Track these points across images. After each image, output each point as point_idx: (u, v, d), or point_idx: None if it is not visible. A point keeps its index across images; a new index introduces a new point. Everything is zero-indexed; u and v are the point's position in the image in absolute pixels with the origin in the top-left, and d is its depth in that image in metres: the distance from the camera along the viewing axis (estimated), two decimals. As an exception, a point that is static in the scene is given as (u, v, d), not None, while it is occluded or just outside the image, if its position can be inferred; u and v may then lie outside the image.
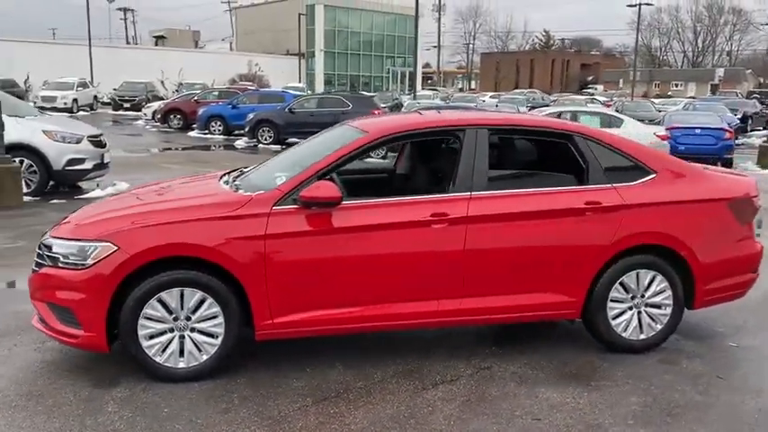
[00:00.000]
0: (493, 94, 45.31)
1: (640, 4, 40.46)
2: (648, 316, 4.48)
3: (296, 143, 20.34)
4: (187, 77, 42.28)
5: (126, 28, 73.21)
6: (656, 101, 37.89)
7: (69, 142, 10.65)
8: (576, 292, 4.33)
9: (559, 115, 15.44)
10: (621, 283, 4.39)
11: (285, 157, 4.75)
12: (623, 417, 3.64)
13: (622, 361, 4.37)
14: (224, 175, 4.83)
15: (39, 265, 3.99)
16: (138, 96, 34.91)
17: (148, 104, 30.25)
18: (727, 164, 16.11)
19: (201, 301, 3.86)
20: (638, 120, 22.35)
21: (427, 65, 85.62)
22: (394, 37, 61.87)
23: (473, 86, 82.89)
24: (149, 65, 44.63)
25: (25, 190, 10.12)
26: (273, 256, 3.87)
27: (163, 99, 32.52)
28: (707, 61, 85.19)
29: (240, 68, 50.20)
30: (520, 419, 3.59)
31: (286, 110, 20.50)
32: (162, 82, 41.85)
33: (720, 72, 70.42)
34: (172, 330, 3.87)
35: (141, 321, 3.80)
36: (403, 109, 26.00)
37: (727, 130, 16.92)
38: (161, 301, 3.81)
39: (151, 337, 3.84)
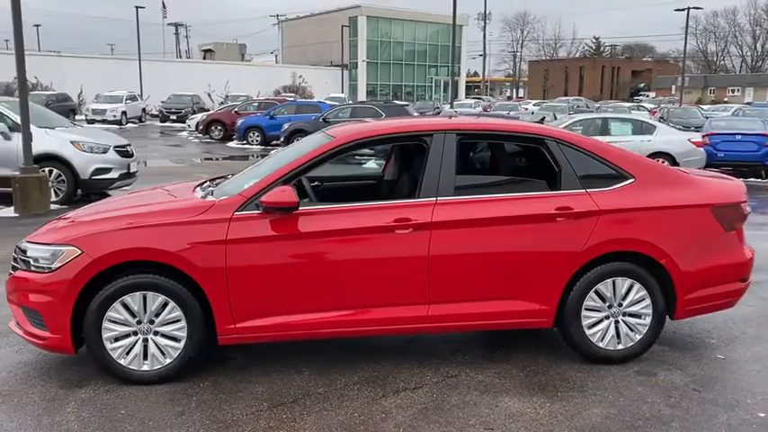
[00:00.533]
0: (536, 101, 44.74)
1: (689, 9, 39.35)
2: (627, 326, 4.33)
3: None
4: (233, 90, 43.28)
5: (178, 42, 75.42)
6: (706, 107, 36.77)
7: (96, 152, 11.02)
8: (547, 300, 4.22)
9: (577, 123, 15.16)
10: (597, 292, 4.26)
11: (263, 163, 4.79)
12: (580, 428, 3.52)
13: (597, 371, 4.24)
14: (205, 182, 4.91)
15: (14, 268, 4.13)
16: (185, 108, 35.87)
17: (192, 116, 31.01)
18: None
19: (164, 305, 3.92)
20: (685, 127, 21.82)
21: (475, 73, 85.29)
22: (437, 46, 61.86)
23: (521, 95, 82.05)
24: (197, 78, 45.85)
25: (54, 198, 10.52)
26: (234, 261, 3.90)
27: (208, 111, 33.28)
28: (767, 66, 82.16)
29: (285, 80, 50.99)
30: (472, 429, 3.51)
31: (320, 120, 20.72)
32: (209, 94, 42.95)
33: (780, 76, 67.72)
34: (135, 333, 3.95)
35: (105, 324, 3.88)
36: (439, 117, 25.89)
37: (770, 136, 16.28)
38: (124, 305, 3.89)
39: (115, 339, 3.92)
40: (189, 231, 3.90)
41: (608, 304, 4.29)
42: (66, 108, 34.13)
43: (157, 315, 3.93)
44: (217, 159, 19.99)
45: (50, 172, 10.64)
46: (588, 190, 4.27)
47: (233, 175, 5.08)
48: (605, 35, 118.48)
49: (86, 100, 38.40)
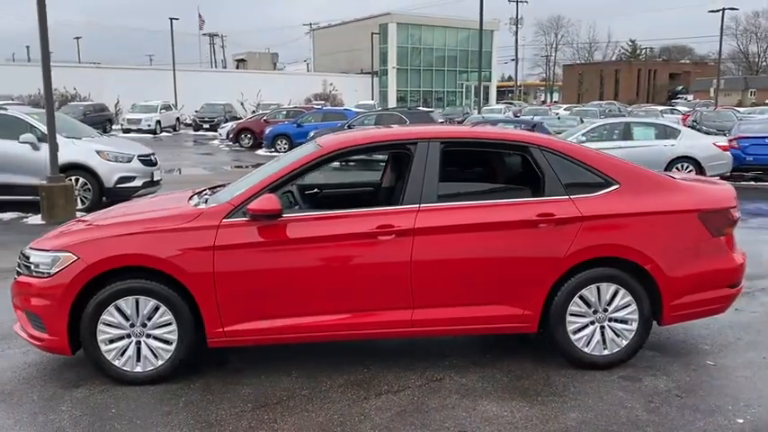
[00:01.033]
0: (567, 106, 44.35)
1: (723, 10, 38.57)
2: (613, 331, 4.35)
3: (355, 160, 20.75)
4: (265, 98, 43.88)
5: (214, 52, 76.87)
6: (743, 109, 35.95)
7: (120, 161, 11.38)
8: (530, 306, 4.27)
9: (593, 128, 15.04)
10: (581, 297, 4.29)
11: (258, 171, 4.93)
12: (552, 432, 3.56)
13: (582, 376, 4.26)
14: (204, 190, 5.08)
15: (18, 273, 4.34)
16: (217, 117, 36.48)
17: (223, 125, 31.57)
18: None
19: (156, 309, 4.09)
20: (719, 130, 21.45)
21: (509, 78, 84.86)
22: (467, 52, 61.75)
23: (555, 99, 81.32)
24: (230, 87, 46.61)
25: (80, 206, 10.88)
26: (222, 267, 4.05)
27: (240, 119, 33.85)
28: (810, 66, 79.89)
29: (315, 88, 51.53)
30: (446, 431, 3.58)
31: (345, 127, 20.92)
32: (241, 103, 43.63)
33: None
34: (129, 336, 4.12)
35: (100, 327, 4.06)
36: (465, 123, 25.91)
37: (801, 139, 15.89)
38: (118, 309, 4.06)
39: (110, 341, 4.10)
40: (179, 238, 4.06)
41: (593, 310, 4.31)
42: (103, 118, 35.17)
43: (149, 318, 4.10)
44: (246, 167, 20.33)
45: (77, 180, 11.01)
46: (572, 196, 4.30)
47: (228, 183, 5.24)
48: (642, 38, 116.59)
49: (123, 110, 39.38)
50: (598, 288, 4.29)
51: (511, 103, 50.47)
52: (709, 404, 3.89)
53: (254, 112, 38.42)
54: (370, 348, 4.77)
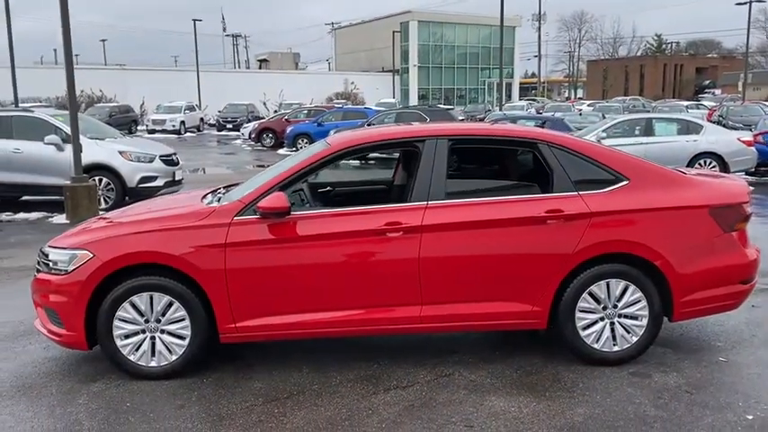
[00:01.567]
0: (590, 102, 43.93)
1: (750, 2, 37.90)
2: (622, 327, 4.34)
3: (375, 158, 20.85)
4: (287, 98, 44.15)
5: (237, 53, 77.48)
6: (771, 103, 35.23)
7: (142, 161, 11.58)
8: (539, 302, 4.28)
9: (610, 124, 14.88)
10: (591, 293, 4.29)
11: (269, 170, 5.00)
12: (559, 428, 3.57)
13: (591, 372, 4.27)
14: (219, 188, 5.17)
15: (38, 271, 4.47)
16: (240, 117, 36.76)
17: (246, 125, 31.84)
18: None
19: (169, 305, 4.18)
20: (746, 125, 21.08)
21: (532, 74, 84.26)
22: (489, 48, 61.44)
23: (579, 95, 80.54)
24: (253, 87, 46.97)
25: (103, 206, 11.09)
26: (233, 264, 4.12)
27: (262, 119, 34.12)
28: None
29: (337, 87, 51.72)
30: (452, 426, 3.62)
31: (365, 125, 20.99)
32: (264, 103, 43.95)
33: None
34: (144, 332, 4.22)
35: (116, 323, 4.16)
36: (485, 120, 25.85)
37: (828, 134, 15.59)
38: (133, 305, 4.17)
39: (125, 337, 4.20)
40: (191, 236, 4.14)
41: (602, 306, 4.31)
42: (129, 119, 35.73)
43: (163, 314, 4.19)
44: (268, 166, 20.50)
45: (100, 181, 11.24)
46: (581, 192, 4.30)
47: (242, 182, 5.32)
48: (668, 32, 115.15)
49: (148, 111, 39.92)
50: (607, 284, 4.28)
51: (534, 100, 50.15)
52: (719, 400, 3.87)
53: (276, 111, 38.69)
54: (381, 344, 4.82)
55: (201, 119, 39.27)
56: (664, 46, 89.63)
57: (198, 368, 4.33)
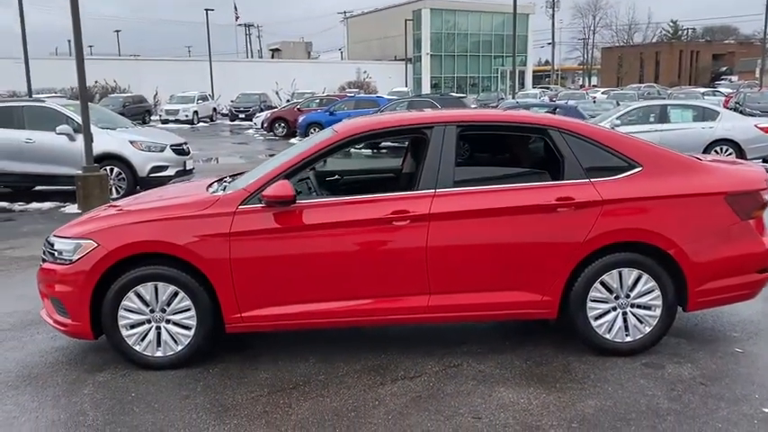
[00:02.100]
0: (605, 89, 43.47)
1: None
2: (635, 317, 4.25)
3: (387, 147, 20.76)
4: (300, 87, 44.09)
5: (249, 43, 77.43)
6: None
7: (154, 151, 11.58)
8: (550, 291, 4.19)
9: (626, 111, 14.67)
10: (602, 283, 4.20)
11: (274, 158, 4.94)
12: (569, 420, 3.50)
13: (603, 363, 4.18)
14: (225, 177, 5.12)
15: (44, 260, 4.44)
16: (252, 107, 36.77)
17: (258, 114, 31.83)
18: None
19: (175, 295, 4.14)
20: (763, 111, 20.73)
21: (546, 62, 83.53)
22: (502, 36, 60.91)
23: (594, 83, 79.73)
24: (265, 77, 46.97)
25: (115, 195, 11.09)
26: (238, 253, 4.07)
27: (274, 109, 34.09)
28: None
29: (349, 76, 51.55)
30: (459, 417, 3.55)
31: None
32: (276, 93, 43.92)
33: None
34: (149, 321, 4.18)
35: (121, 312, 4.13)
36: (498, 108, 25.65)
37: None
38: (138, 294, 4.13)
39: (131, 327, 4.17)
40: (195, 225, 4.09)
41: (615, 295, 4.22)
42: (142, 109, 35.87)
43: (169, 304, 4.16)
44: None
45: (111, 170, 11.25)
46: (592, 180, 4.21)
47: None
48: (684, 18, 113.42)
49: (161, 101, 40.03)
50: (620, 273, 4.19)
51: (547, 88, 49.74)
52: (735, 393, 3.77)
53: (288, 101, 38.65)
54: (389, 334, 4.76)
55: (214, 109, 39.32)
56: (680, 32, 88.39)
57: (204, 358, 4.30)
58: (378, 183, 5.37)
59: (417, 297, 4.18)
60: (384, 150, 20.77)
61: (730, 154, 13.28)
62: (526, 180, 4.30)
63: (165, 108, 36.28)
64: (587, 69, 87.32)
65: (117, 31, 74.05)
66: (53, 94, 30.95)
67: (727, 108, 20.08)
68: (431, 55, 58.04)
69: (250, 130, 30.91)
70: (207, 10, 44.77)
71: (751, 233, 4.28)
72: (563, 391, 3.82)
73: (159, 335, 4.20)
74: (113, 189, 11.20)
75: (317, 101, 28.79)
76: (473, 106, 21.78)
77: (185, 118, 35.13)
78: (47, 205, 11.16)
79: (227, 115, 39.27)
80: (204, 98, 38.49)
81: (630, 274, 4.19)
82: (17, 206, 11.14)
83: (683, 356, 4.28)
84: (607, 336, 4.25)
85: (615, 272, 4.19)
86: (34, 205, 11.20)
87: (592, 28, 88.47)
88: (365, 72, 52.34)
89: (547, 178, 4.29)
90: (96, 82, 41.53)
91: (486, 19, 60.90)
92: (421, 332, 4.79)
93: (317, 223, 4.12)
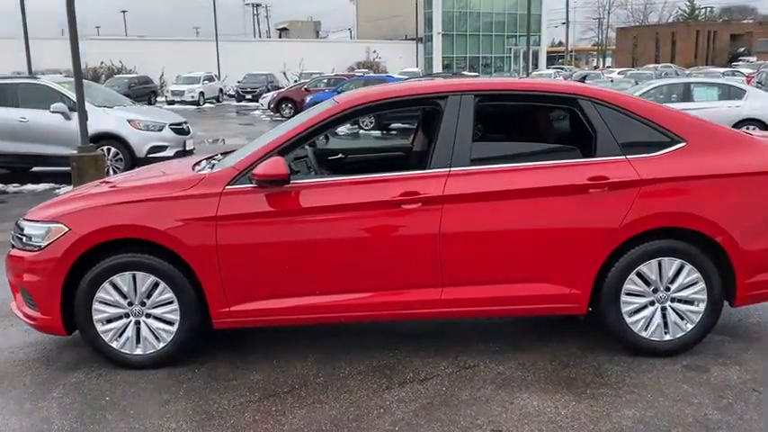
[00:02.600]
0: (621, 69, 42.50)
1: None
2: (676, 313, 3.75)
3: (397, 128, 20.13)
4: (308, 67, 43.39)
5: (257, 23, 76.51)
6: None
7: (152, 130, 11.11)
8: (579, 284, 3.70)
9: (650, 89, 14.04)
10: (639, 274, 3.69)
11: (269, 133, 4.44)
12: (604, 434, 3.02)
13: (639, 365, 3.69)
14: (216, 155, 4.64)
15: (12, 246, 3.99)
16: (259, 88, 36.18)
17: (265, 95, 31.26)
18: None
19: (155, 286, 3.68)
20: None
21: (559, 43, 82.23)
22: (516, 15, 59.65)
23: (608, 64, 78.42)
24: (273, 57, 46.28)
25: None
26: (226, 239, 3.60)
27: (281, 89, 33.51)
28: None
29: (359, 56, 50.77)
30: (477, 429, 3.08)
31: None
32: (284, 73, 43.27)
33: None
34: (127, 316, 3.73)
35: (95, 305, 3.68)
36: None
37: None
38: (114, 285, 3.67)
39: (107, 321, 3.72)
40: (177, 207, 3.62)
41: (653, 288, 3.72)
42: (148, 90, 35.36)
43: (149, 296, 3.70)
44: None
45: (108, 150, 10.80)
46: (629, 156, 3.69)
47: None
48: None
49: (167, 82, 39.51)
50: (659, 263, 3.68)
51: (561, 68, 48.77)
52: (794, 401, 3.28)
53: (296, 81, 38.03)
54: (396, 330, 4.28)
55: (221, 89, 38.75)
56: (696, 12, 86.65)
57: (189, 356, 3.84)
58: (385, 162, 4.87)
59: (428, 290, 3.70)
60: (394, 132, 20.21)
61: (757, 134, 12.64)
62: (553, 157, 3.78)
63: (170, 89, 35.76)
64: (602, 50, 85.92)
65: (123, 12, 73.35)
66: (58, 75, 30.49)
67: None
68: (442, 34, 56.93)
69: (256, 111, 30.35)
70: (214, -11, 44.03)
71: (810, 218, 3.75)
72: (595, 398, 3.34)
73: (139, 330, 3.75)
74: (110, 170, 10.74)
75: (325, 81, 28.18)
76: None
77: (191, 99, 34.58)
78: (41, 187, 10.74)
79: (233, 96, 38.72)
80: (210, 79, 37.92)
81: (671, 265, 3.68)
82: (11, 188, 10.73)
83: (729, 357, 3.79)
84: (643, 334, 3.75)
85: (654, 261, 3.68)
86: (29, 187, 10.79)
87: (607, 8, 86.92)
88: (375, 52, 51.50)
89: (577, 155, 3.77)
90: (102, 63, 41.12)
91: (499, -3, 59.74)
92: (432, 327, 4.31)
93: (316, 206, 3.63)
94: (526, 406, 3.28)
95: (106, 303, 3.69)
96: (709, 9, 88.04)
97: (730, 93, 13.38)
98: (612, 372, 3.63)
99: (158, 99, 35.77)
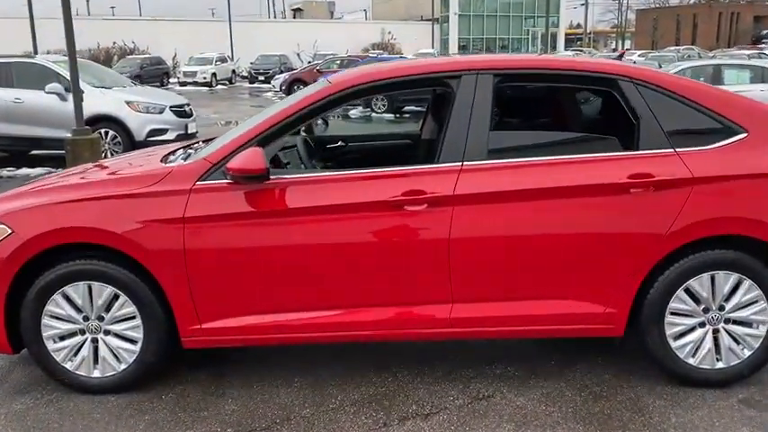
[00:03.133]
0: (641, 52, 41.32)
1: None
2: (731, 336, 3.14)
3: (411, 111, 19.40)
4: (322, 49, 42.64)
5: (273, 3, 75.58)
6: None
7: (152, 112, 10.57)
8: (615, 301, 3.10)
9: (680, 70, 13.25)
10: (688, 290, 3.09)
11: (254, 118, 3.86)
12: (651, 497, 2.44)
13: (684, 399, 3.10)
14: (196, 142, 4.07)
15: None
16: (272, 69, 35.61)
17: (277, 77, 30.67)
18: None
19: (115, 298, 3.13)
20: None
21: (578, 25, 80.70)
22: (534, -4, 58.38)
23: (627, 46, 76.78)
24: (287, 38, 45.60)
25: (110, 162, 10.13)
26: (195, 244, 3.03)
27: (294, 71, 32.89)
28: None
29: (374, 37, 49.93)
30: (492, 487, 2.51)
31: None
32: (298, 54, 42.61)
33: None
34: (83, 332, 3.19)
35: (45, 320, 3.14)
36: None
37: None
38: (66, 297, 3.13)
39: (59, 339, 3.18)
40: (138, 206, 3.06)
41: (703, 307, 3.11)
42: (160, 71, 34.86)
43: (108, 310, 3.15)
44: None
45: (106, 134, 10.28)
46: (678, 150, 3.07)
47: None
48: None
49: (180, 63, 39.00)
50: (712, 278, 3.07)
51: (580, 50, 47.62)
52: None
53: (309, 62, 37.34)
54: (398, 349, 3.70)
55: (233, 71, 38.20)
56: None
57: (156, 379, 3.30)
58: (389, 152, 4.28)
59: (435, 307, 3.12)
60: (407, 115, 19.49)
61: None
62: (586, 150, 3.16)
63: (183, 70, 35.26)
64: (621, 32, 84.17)
65: (138, -8, 72.64)
66: (56, 55, 30.02)
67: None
68: (459, 15, 55.74)
69: (269, 93, 29.75)
70: (228, -32, 43.29)
71: None
72: (635, 444, 2.76)
73: (96, 349, 3.20)
74: (108, 154, 10.23)
75: (338, 62, 27.50)
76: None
77: (203, 80, 34.08)
78: (37, 171, 10.23)
79: (246, 77, 38.17)
80: (223, 60, 37.37)
81: (727, 280, 3.07)
82: (5, 172, 10.24)
83: (795, 390, 3.18)
84: (690, 360, 3.15)
85: (706, 276, 3.07)
86: (24, 171, 10.30)
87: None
88: (390, 33, 50.60)
89: (615, 147, 3.15)
90: (114, 43, 40.64)
91: (518, -23, 58.39)
92: (441, 348, 3.71)
93: (301, 207, 3.05)
94: (552, 453, 2.70)
95: (58, 318, 3.14)
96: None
97: (764, 75, 12.58)
98: (654, 407, 3.03)
99: (171, 80, 35.29)
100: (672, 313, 3.11)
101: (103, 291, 3.11)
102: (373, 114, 19.57)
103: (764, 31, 73.00)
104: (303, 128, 3.47)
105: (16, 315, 3.16)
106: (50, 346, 3.17)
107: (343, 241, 3.05)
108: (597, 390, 3.21)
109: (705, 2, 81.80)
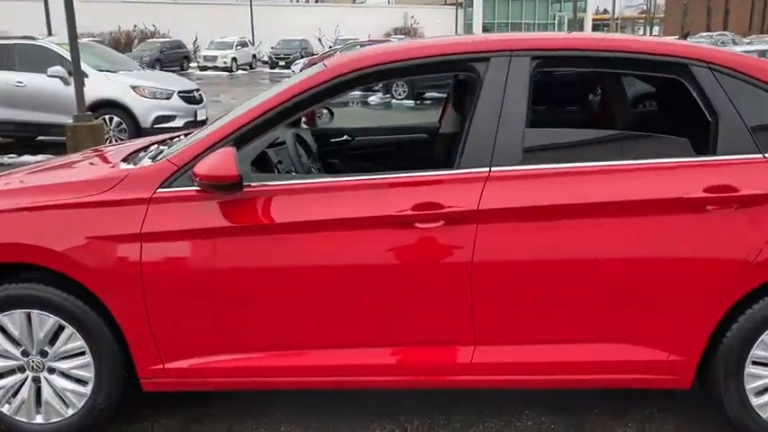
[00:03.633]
0: (674, 38, 40.01)
1: None
2: (827, 392, 2.48)
3: (432, 98, 18.67)
4: (344, 33, 42.04)
5: (295, -13, 74.73)
6: None
7: (159, 98, 10.07)
8: (682, 346, 2.45)
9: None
10: (776, 334, 2.43)
11: (235, 110, 3.24)
12: None
13: (769, 471, 2.44)
14: (172, 137, 3.47)
15: None
16: (293, 54, 35.17)
17: (297, 62, 30.17)
18: None
19: (60, 330, 2.55)
20: None
21: (605, 11, 79.02)
22: (561, -20, 57.06)
23: (656, 33, 74.98)
24: (309, 22, 45.09)
25: (114, 150, 9.63)
26: (155, 268, 2.44)
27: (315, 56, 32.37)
28: None
29: (396, 22, 49.25)
30: None
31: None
32: (319, 39, 42.08)
33: None
34: (22, 370, 2.62)
35: (-24, 355, 2.58)
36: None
37: None
38: (1, 328, 2.56)
39: (-6, 377, 2.62)
40: (84, 218, 2.47)
41: (795, 356, 2.45)
42: (180, 55, 34.56)
43: (52, 344, 2.58)
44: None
45: (110, 120, 9.79)
46: (768, 155, 2.40)
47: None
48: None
49: (200, 47, 38.63)
50: (809, 319, 2.41)
51: (608, 36, 46.31)
52: None
53: (331, 47, 36.76)
54: (409, 394, 3.08)
55: (254, 55, 37.79)
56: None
57: (114, 424, 2.73)
58: (398, 151, 3.64)
59: (453, 349, 2.50)
60: (428, 102, 18.74)
61: None
62: (648, 154, 2.49)
63: (203, 54, 34.96)
64: (649, 18, 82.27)
65: (161, -25, 72.31)
66: (90, 39, 29.71)
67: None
68: (484, -1, 54.75)
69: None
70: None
71: None
72: None
73: (39, 391, 2.63)
74: (112, 141, 9.73)
75: (358, 47, 26.82)
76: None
77: (224, 65, 33.77)
78: (38, 158, 9.78)
79: (267, 62, 37.74)
80: (243, 44, 36.95)
81: (829, 322, 2.40)
82: (6, 159, 9.85)
83: None
84: (776, 421, 2.50)
85: (800, 317, 2.41)
86: (25, 158, 9.88)
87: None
88: (412, 17, 49.78)
89: (686, 151, 2.48)
90: (135, 26, 40.33)
91: (545, -40, 57.06)
92: (458, 391, 3.07)
93: (284, 222, 2.44)
94: None
95: (-9, 353, 2.58)
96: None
97: (815, 63, 11.65)
98: (732, 483, 2.39)
99: (191, 64, 34.96)
100: (754, 363, 2.46)
101: (46, 321, 2.53)
102: (393, 101, 18.91)
103: (800, 18, 70.75)
104: (291, 121, 2.83)
105: (-56, 347, 2.60)
106: (-17, 385, 2.61)
107: (339, 264, 2.43)
108: (656, 454, 2.57)
109: (738, -14, 79.58)
